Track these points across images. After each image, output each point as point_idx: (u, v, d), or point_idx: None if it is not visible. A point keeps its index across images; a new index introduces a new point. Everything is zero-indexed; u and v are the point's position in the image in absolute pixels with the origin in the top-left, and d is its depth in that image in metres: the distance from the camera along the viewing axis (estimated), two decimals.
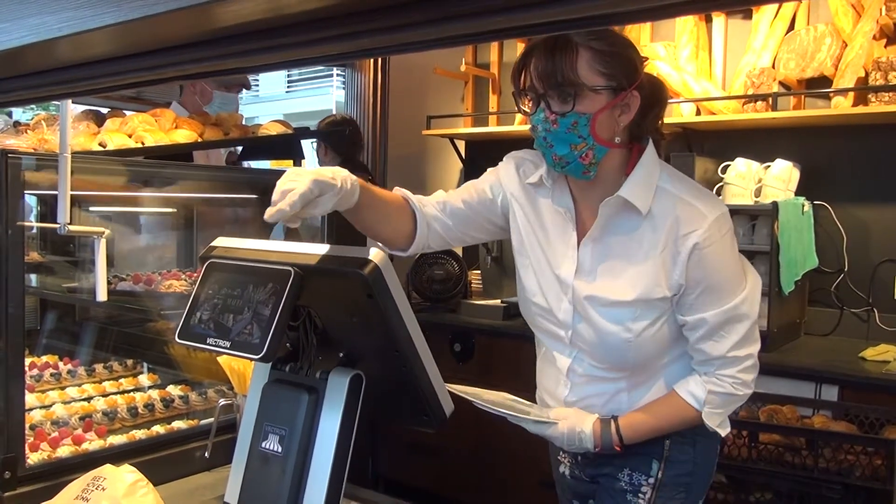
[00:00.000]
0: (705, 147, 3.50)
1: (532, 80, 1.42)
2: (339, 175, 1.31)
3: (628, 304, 1.44)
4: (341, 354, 1.36)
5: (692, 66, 3.47)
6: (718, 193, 3.17)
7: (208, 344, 1.25)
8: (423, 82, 4.51)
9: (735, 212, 3.10)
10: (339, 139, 2.28)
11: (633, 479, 1.53)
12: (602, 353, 1.49)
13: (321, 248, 1.28)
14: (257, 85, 8.62)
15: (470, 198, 1.61)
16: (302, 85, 8.31)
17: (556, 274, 1.52)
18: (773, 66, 3.26)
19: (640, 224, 1.43)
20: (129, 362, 2.31)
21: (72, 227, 1.34)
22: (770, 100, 3.15)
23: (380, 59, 4.17)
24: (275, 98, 8.44)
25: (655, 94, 1.47)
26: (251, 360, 1.23)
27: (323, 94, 8.16)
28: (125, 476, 1.18)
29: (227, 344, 1.23)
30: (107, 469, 1.20)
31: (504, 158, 1.67)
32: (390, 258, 1.24)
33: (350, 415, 1.31)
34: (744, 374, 1.46)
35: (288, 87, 8.47)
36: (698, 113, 3.43)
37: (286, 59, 0.74)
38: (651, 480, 1.52)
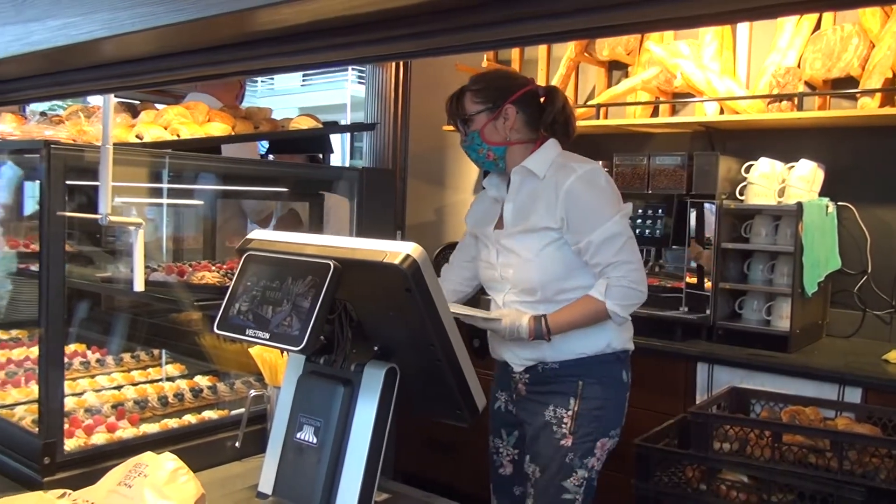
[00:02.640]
0: (728, 146, 3.49)
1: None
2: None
3: (524, 231, 2.01)
4: (376, 348, 1.38)
5: (716, 65, 3.46)
6: (741, 193, 3.16)
7: (247, 335, 1.27)
8: (444, 78, 4.50)
9: (758, 212, 3.10)
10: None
11: (556, 412, 2.02)
12: (518, 276, 2.04)
13: (359, 242, 1.29)
14: (272, 79, 8.63)
15: (467, 254, 2.30)
16: (317, 79, 8.31)
17: (486, 232, 2.14)
18: (799, 66, 3.24)
19: (538, 185, 2.02)
20: (156, 352, 2.34)
21: (112, 218, 1.36)
22: (795, 100, 3.13)
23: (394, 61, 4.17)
24: (290, 92, 8.45)
25: (547, 100, 2.08)
26: (290, 351, 1.25)
27: (338, 87, 8.17)
28: (166, 463, 1.20)
29: (267, 335, 1.25)
30: (148, 456, 1.22)
31: None
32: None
33: (385, 407, 1.33)
34: (631, 273, 1.96)
35: (303, 80, 8.48)
36: (722, 112, 3.42)
37: (328, 59, 0.75)
38: (570, 413, 2.01)
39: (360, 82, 7.79)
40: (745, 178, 3.16)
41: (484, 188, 2.25)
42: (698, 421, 2.46)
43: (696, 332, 3.10)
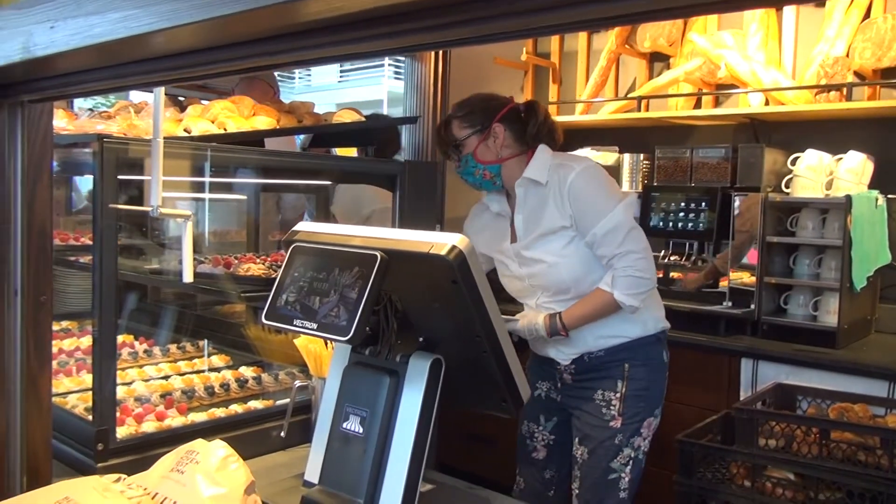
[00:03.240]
0: (773, 138, 3.43)
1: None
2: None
3: (542, 237, 2.07)
4: (421, 339, 1.38)
5: (761, 55, 3.39)
6: (787, 186, 3.10)
7: (295, 325, 1.29)
8: (483, 72, 4.50)
9: (805, 205, 3.04)
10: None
11: (605, 395, 2.10)
12: (548, 280, 2.10)
13: (405, 234, 1.30)
14: (309, 75, 8.70)
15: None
16: (354, 75, 8.36)
17: (502, 249, 2.19)
18: (848, 56, 3.17)
19: (543, 192, 2.07)
20: (201, 343, 2.38)
21: (163, 210, 1.38)
22: (844, 90, 3.06)
23: (440, 49, 4.17)
24: (327, 88, 8.50)
25: (529, 114, 2.14)
26: (338, 342, 1.26)
27: (374, 83, 8.20)
28: (217, 451, 1.21)
29: (314, 326, 1.26)
30: (199, 443, 1.24)
31: None
32: None
33: (430, 398, 1.33)
34: (637, 262, 2.01)
35: (340, 76, 8.53)
36: (767, 103, 3.35)
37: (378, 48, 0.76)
38: (618, 395, 2.09)
39: (396, 78, 7.80)
40: (790, 171, 3.10)
41: (484, 203, 2.29)
42: (743, 417, 2.43)
43: (740, 327, 3.05)
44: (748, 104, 3.41)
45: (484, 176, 2.12)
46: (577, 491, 2.15)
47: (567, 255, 2.06)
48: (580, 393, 2.15)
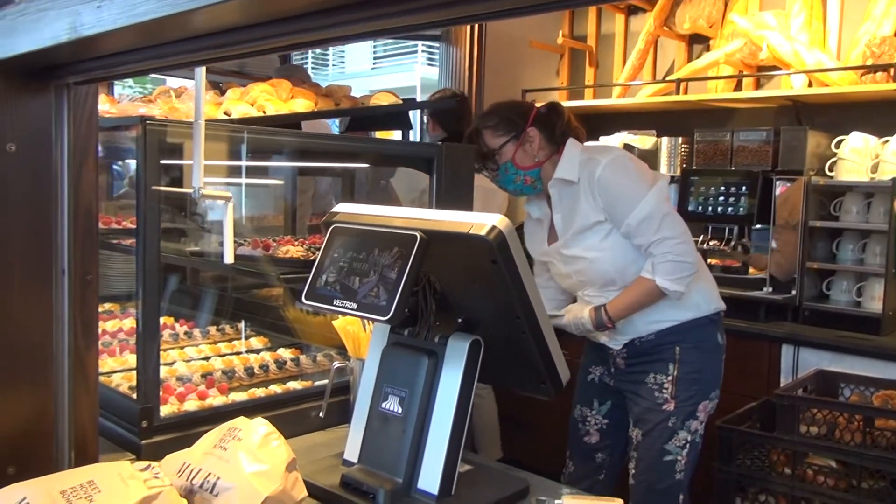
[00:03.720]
0: (817, 121, 3.35)
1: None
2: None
3: (579, 234, 2.08)
4: (460, 320, 1.38)
5: (804, 36, 3.31)
6: (830, 169, 3.04)
7: (335, 305, 1.29)
8: (519, 56, 4.47)
9: (849, 188, 2.97)
10: (447, 114, 2.26)
11: (657, 378, 2.10)
12: (592, 275, 2.11)
13: (444, 214, 1.29)
14: (343, 62, 8.73)
15: (545, 276, 2.34)
16: (387, 61, 8.36)
17: (546, 250, 2.21)
18: (895, 35, 3.08)
19: (575, 189, 2.08)
20: (240, 326, 2.40)
21: (205, 192, 1.40)
22: (891, 70, 2.98)
23: (475, 32, 4.15)
24: (360, 74, 8.52)
25: (552, 115, 2.15)
26: (378, 321, 1.26)
27: (408, 70, 8.20)
28: (259, 428, 1.23)
29: (354, 306, 1.26)
30: (241, 421, 1.25)
31: None
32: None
33: (469, 379, 1.33)
34: (675, 247, 2.01)
35: (374, 63, 8.54)
36: (810, 85, 3.28)
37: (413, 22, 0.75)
38: (670, 378, 2.09)
39: (430, 64, 7.79)
40: (834, 154, 3.04)
41: (528, 213, 2.32)
42: (784, 403, 2.39)
43: (781, 313, 3.01)
44: (791, 86, 3.34)
45: (525, 181, 2.14)
46: (633, 471, 2.16)
47: (606, 249, 2.06)
48: (633, 377, 2.16)
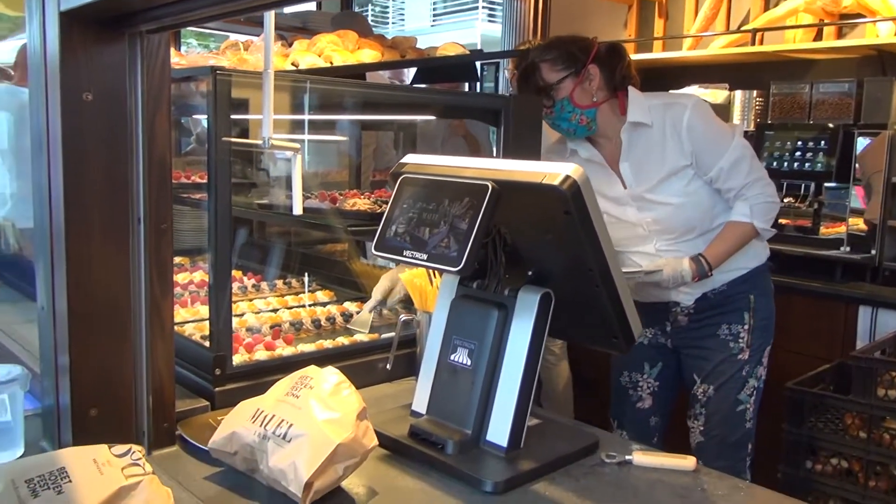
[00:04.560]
0: None
1: None
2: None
3: (665, 179, 2.01)
4: (530, 272, 1.36)
5: None
6: None
7: (405, 256, 1.28)
8: (585, 8, 4.35)
9: None
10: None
11: (732, 329, 2.08)
12: (673, 223, 2.05)
13: (516, 164, 1.26)
14: (402, 18, 8.66)
15: None
16: (446, 18, 8.27)
17: (612, 197, 2.09)
18: None
19: (650, 133, 2.01)
20: (306, 279, 2.43)
21: (275, 142, 1.39)
22: None
23: None
24: (420, 32, 8.45)
25: (614, 56, 2.07)
26: (448, 272, 1.25)
27: (468, 27, 8.09)
28: (330, 377, 1.24)
29: (424, 256, 1.25)
30: (312, 369, 1.27)
31: None
32: None
33: (539, 333, 1.31)
34: (766, 188, 2.02)
35: (433, 20, 8.45)
36: None
37: None
38: (746, 327, 2.07)
39: (490, 20, 7.67)
40: None
41: (566, 146, 2.20)
42: (861, 366, 2.31)
43: (858, 273, 2.89)
44: (876, 34, 3.16)
45: (580, 121, 2.06)
46: (701, 428, 2.12)
47: (691, 194, 2.02)
48: (699, 332, 2.11)
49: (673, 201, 2.03)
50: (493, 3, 7.61)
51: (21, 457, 1.30)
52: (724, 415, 2.07)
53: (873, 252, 2.84)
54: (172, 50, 2.15)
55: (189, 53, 2.48)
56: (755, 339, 2.07)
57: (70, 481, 0.93)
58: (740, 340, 2.06)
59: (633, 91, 2.06)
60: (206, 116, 1.50)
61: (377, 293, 1.94)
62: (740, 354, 2.06)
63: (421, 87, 2.26)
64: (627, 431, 2.27)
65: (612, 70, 2.06)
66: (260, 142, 1.45)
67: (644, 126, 2.02)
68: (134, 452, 1.01)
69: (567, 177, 1.17)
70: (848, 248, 2.92)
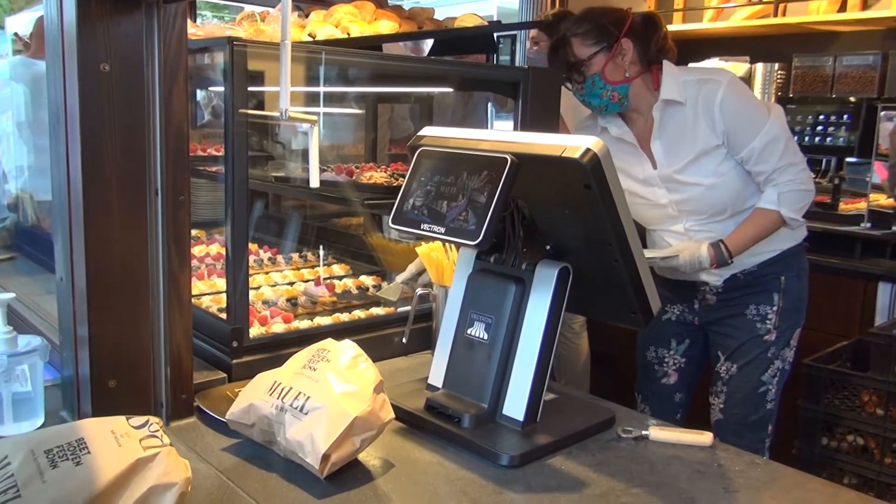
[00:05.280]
0: None
1: None
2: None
3: (696, 159, 1.95)
4: (548, 247, 1.35)
5: None
6: None
7: (422, 230, 1.28)
8: None
9: None
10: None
11: (760, 309, 2.02)
12: (703, 203, 1.98)
13: (535, 136, 1.25)
14: None
15: None
16: None
17: (641, 178, 2.05)
18: None
19: (683, 111, 1.95)
20: (322, 252, 2.43)
21: (292, 113, 1.38)
22: None
23: None
24: (435, 4, 8.34)
25: (649, 28, 1.99)
26: (466, 246, 1.24)
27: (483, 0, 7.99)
28: (347, 350, 1.24)
29: (442, 230, 1.24)
30: (329, 342, 1.27)
31: None
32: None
33: (557, 307, 1.31)
34: (799, 174, 1.91)
35: None
36: None
37: None
38: (775, 308, 2.02)
39: None
40: None
41: (596, 123, 2.14)
42: (881, 343, 2.29)
43: (879, 249, 2.85)
44: None
45: (612, 98, 1.99)
46: (721, 406, 2.10)
47: (724, 174, 1.95)
48: (727, 311, 2.07)
49: (704, 182, 1.96)
50: None
51: (41, 426, 1.31)
52: (745, 394, 2.05)
53: (895, 228, 2.81)
54: (189, 21, 2.14)
55: (205, 25, 2.46)
56: (783, 320, 2.02)
57: (89, 452, 0.93)
58: (768, 322, 2.02)
59: (667, 66, 1.99)
60: (222, 89, 1.49)
61: (413, 267, 1.89)
62: (767, 335, 2.02)
63: (439, 59, 2.23)
64: (651, 406, 2.27)
65: (646, 43, 1.98)
66: (277, 114, 1.43)
67: (677, 104, 1.95)
68: (151, 424, 1.00)
69: (588, 150, 1.16)
70: (869, 224, 2.88)
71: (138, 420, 1.01)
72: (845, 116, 2.92)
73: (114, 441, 0.96)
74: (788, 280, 2.03)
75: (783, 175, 1.91)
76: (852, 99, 2.96)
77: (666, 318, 2.20)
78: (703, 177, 1.96)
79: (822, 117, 2.97)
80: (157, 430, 1.00)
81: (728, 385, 2.08)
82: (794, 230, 2.02)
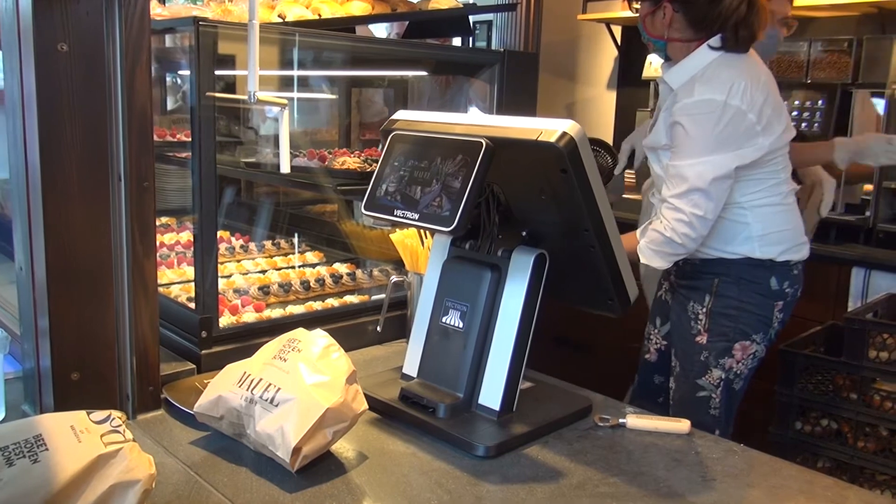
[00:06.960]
0: None
1: None
2: None
3: (653, 150, 1.96)
4: (524, 233, 1.33)
5: None
6: None
7: (396, 216, 1.25)
8: None
9: None
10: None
11: (693, 308, 1.99)
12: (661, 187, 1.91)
13: (511, 120, 1.22)
14: None
15: None
16: None
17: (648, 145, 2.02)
18: None
19: (671, 97, 1.89)
20: (295, 240, 2.39)
21: (261, 96, 1.34)
22: None
23: None
24: None
25: (703, 5, 1.84)
26: (440, 233, 1.21)
27: None
28: (318, 340, 1.21)
29: (416, 216, 1.21)
30: (300, 332, 1.24)
31: None
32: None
33: (533, 294, 1.29)
34: (678, 224, 1.79)
35: None
36: None
37: None
38: (704, 309, 1.96)
39: None
40: None
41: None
42: (854, 327, 2.30)
43: (852, 235, 2.87)
44: None
45: (649, 45, 2.02)
46: (671, 402, 2.07)
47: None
48: (679, 300, 2.04)
49: (655, 170, 1.97)
50: None
51: (2, 421, 1.27)
52: (684, 394, 2.00)
53: (868, 214, 2.82)
54: (155, 2, 2.08)
55: (173, 5, 2.40)
56: (714, 324, 1.94)
57: (47, 449, 0.89)
58: (698, 322, 1.96)
59: (705, 46, 1.86)
60: (189, 72, 1.45)
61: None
62: (698, 336, 1.96)
63: (412, 41, 2.19)
64: (637, 382, 2.26)
65: (692, 14, 1.87)
66: (245, 97, 1.39)
67: (668, 87, 1.92)
68: (114, 419, 0.96)
69: (564, 133, 1.13)
70: (843, 210, 2.89)
71: (100, 415, 0.97)
72: (820, 102, 2.92)
73: (73, 437, 0.91)
74: (723, 283, 1.93)
75: (667, 212, 1.80)
76: (828, 84, 2.96)
77: (658, 294, 2.20)
78: (655, 165, 1.97)
79: (797, 102, 2.97)
80: (120, 426, 0.96)
81: (675, 381, 2.04)
82: (743, 234, 1.91)
